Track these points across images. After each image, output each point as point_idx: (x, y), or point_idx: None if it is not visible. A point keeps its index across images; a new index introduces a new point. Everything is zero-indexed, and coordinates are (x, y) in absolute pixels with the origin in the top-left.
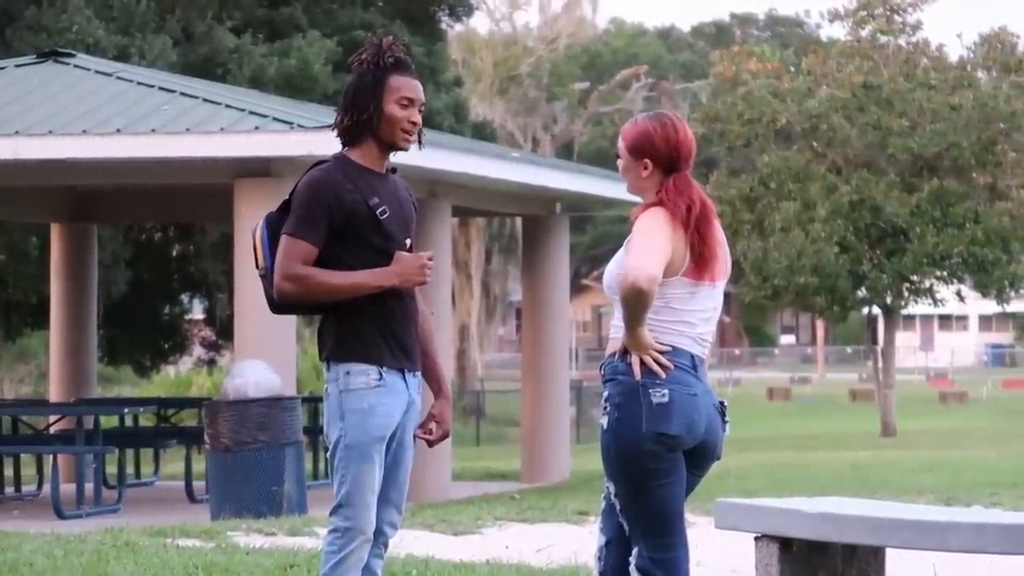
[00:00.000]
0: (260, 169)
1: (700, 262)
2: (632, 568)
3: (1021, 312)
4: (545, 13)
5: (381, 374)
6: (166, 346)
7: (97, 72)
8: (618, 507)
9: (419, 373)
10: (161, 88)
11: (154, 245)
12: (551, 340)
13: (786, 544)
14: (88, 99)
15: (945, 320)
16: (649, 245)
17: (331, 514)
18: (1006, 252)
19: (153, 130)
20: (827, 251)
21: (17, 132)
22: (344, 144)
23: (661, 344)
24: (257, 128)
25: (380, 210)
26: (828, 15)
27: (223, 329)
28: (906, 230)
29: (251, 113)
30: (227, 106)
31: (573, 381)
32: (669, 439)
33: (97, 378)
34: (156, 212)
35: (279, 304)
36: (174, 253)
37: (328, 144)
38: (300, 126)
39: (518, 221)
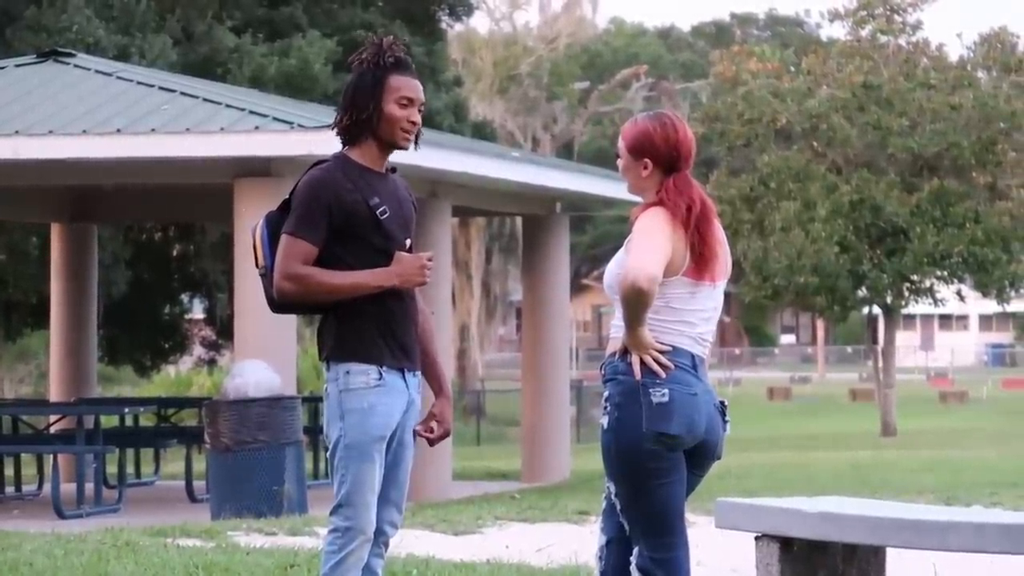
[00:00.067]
0: (260, 169)
1: (700, 262)
2: (633, 568)
3: (1021, 312)
4: (545, 13)
5: (381, 374)
6: (166, 346)
7: (97, 72)
8: (618, 507)
9: (419, 373)
10: (161, 88)
11: (154, 245)
12: (551, 340)
13: (786, 544)
14: (88, 99)
15: (945, 320)
16: (649, 245)
17: (331, 514)
18: (1006, 252)
19: (153, 130)
20: (827, 251)
21: (17, 132)
22: (344, 144)
23: (661, 344)
24: (257, 128)
25: (380, 210)
26: (828, 15)
27: (223, 329)
28: (906, 230)
29: (251, 113)
30: (227, 106)
31: (573, 381)
32: (669, 439)
33: (97, 378)
34: (156, 212)
35: (279, 303)
36: (174, 253)
37: (328, 144)
38: (300, 126)
39: (518, 221)
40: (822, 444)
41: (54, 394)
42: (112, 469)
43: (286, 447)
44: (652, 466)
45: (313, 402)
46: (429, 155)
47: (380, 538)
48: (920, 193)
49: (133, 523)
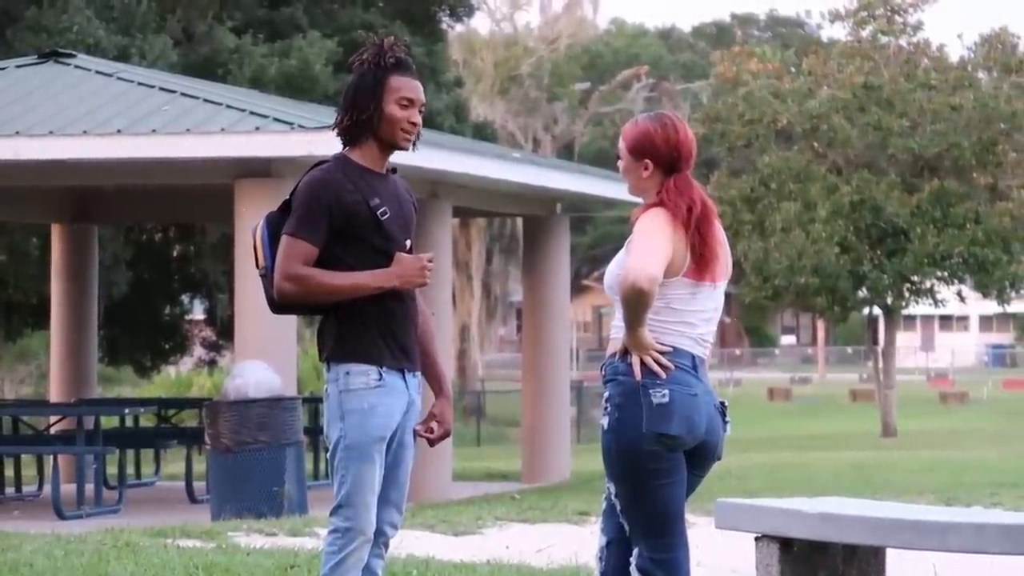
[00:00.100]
0: (261, 169)
1: (701, 263)
2: (633, 568)
3: (1022, 312)
4: (546, 13)
5: (381, 374)
6: (166, 346)
7: (98, 72)
8: (619, 507)
9: (419, 373)
10: (162, 88)
11: (155, 246)
12: (552, 340)
13: (786, 544)
14: (89, 100)
15: (946, 320)
16: (650, 245)
17: (331, 514)
18: (1007, 252)
19: (154, 130)
20: (828, 251)
21: (18, 132)
22: (344, 144)
23: (662, 344)
24: (258, 128)
25: (381, 211)
26: (829, 16)
27: (223, 329)
28: (907, 230)
29: (251, 113)
30: (227, 106)
31: (573, 381)
32: (669, 439)
33: (97, 378)
34: (157, 212)
35: (279, 304)
36: (175, 253)
37: (329, 144)
38: (300, 126)
39: (518, 221)
40: (822, 444)
41: (54, 395)
42: (112, 470)
43: (286, 448)
44: (652, 467)
45: (313, 403)
46: (430, 156)
47: (380, 539)
48: (920, 194)
49: (133, 524)
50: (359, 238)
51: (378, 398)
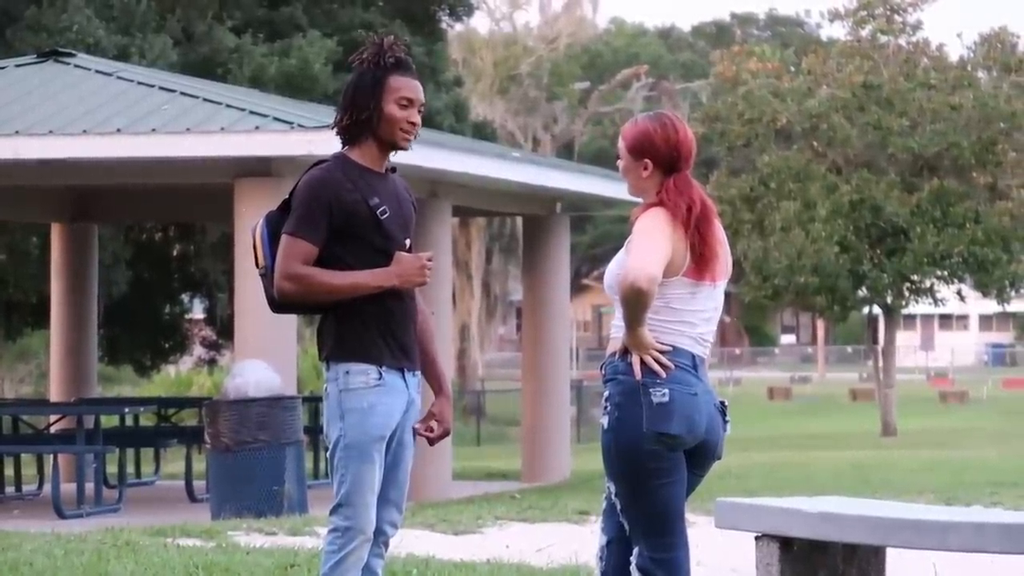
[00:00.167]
0: (260, 169)
1: (700, 262)
2: (633, 568)
3: (1021, 312)
4: (545, 13)
5: (381, 374)
6: (166, 346)
7: (97, 72)
8: (619, 507)
9: (419, 373)
10: (161, 88)
11: (154, 245)
12: (551, 340)
13: (786, 544)
14: (88, 99)
15: (945, 320)
16: (649, 245)
17: (331, 513)
18: (1006, 252)
19: (153, 130)
20: (827, 251)
21: (17, 132)
22: (344, 143)
23: (661, 344)
24: (257, 128)
25: (380, 210)
26: (828, 15)
27: (223, 329)
28: (906, 230)
29: (251, 113)
30: (227, 106)
31: (573, 381)
32: (669, 439)
33: (97, 378)
34: (156, 212)
35: (279, 303)
36: (174, 253)
37: (328, 144)
38: (300, 126)
39: (518, 221)
40: (822, 444)
41: (54, 394)
42: (112, 469)
43: (286, 447)
44: (652, 466)
45: (313, 402)
46: (429, 155)
47: (380, 538)
48: (920, 193)
49: (133, 523)
50: (359, 237)
51: (378, 397)
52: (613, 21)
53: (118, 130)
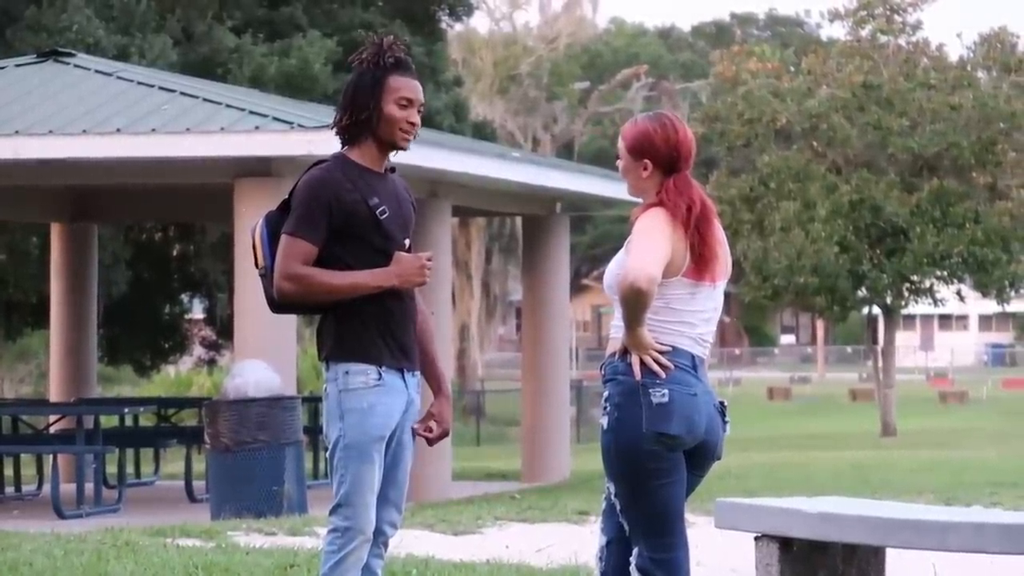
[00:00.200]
0: (260, 169)
1: (700, 262)
2: (632, 568)
3: (1021, 312)
4: (545, 13)
5: (380, 374)
6: (166, 346)
7: (97, 72)
8: (618, 507)
9: (418, 373)
10: (161, 88)
11: (154, 245)
12: (551, 340)
13: (786, 544)
14: (88, 99)
15: (945, 320)
16: (649, 245)
17: (331, 514)
18: (1006, 252)
19: (153, 130)
20: (827, 251)
21: (17, 132)
22: (343, 143)
23: (661, 344)
24: (257, 128)
25: (380, 210)
26: (828, 15)
27: (223, 329)
28: (906, 230)
29: (251, 113)
30: (227, 106)
31: (573, 381)
32: (669, 439)
33: (97, 378)
34: (156, 212)
35: (279, 304)
36: (174, 253)
37: (328, 144)
38: (300, 126)
39: (518, 221)
40: (822, 444)
41: (54, 394)
42: (112, 469)
43: (286, 447)
44: (652, 466)
45: (313, 402)
46: (429, 155)
47: (379, 538)
48: (920, 193)
49: (133, 523)
50: (358, 237)
51: (377, 397)
52: (613, 21)
53: (118, 130)
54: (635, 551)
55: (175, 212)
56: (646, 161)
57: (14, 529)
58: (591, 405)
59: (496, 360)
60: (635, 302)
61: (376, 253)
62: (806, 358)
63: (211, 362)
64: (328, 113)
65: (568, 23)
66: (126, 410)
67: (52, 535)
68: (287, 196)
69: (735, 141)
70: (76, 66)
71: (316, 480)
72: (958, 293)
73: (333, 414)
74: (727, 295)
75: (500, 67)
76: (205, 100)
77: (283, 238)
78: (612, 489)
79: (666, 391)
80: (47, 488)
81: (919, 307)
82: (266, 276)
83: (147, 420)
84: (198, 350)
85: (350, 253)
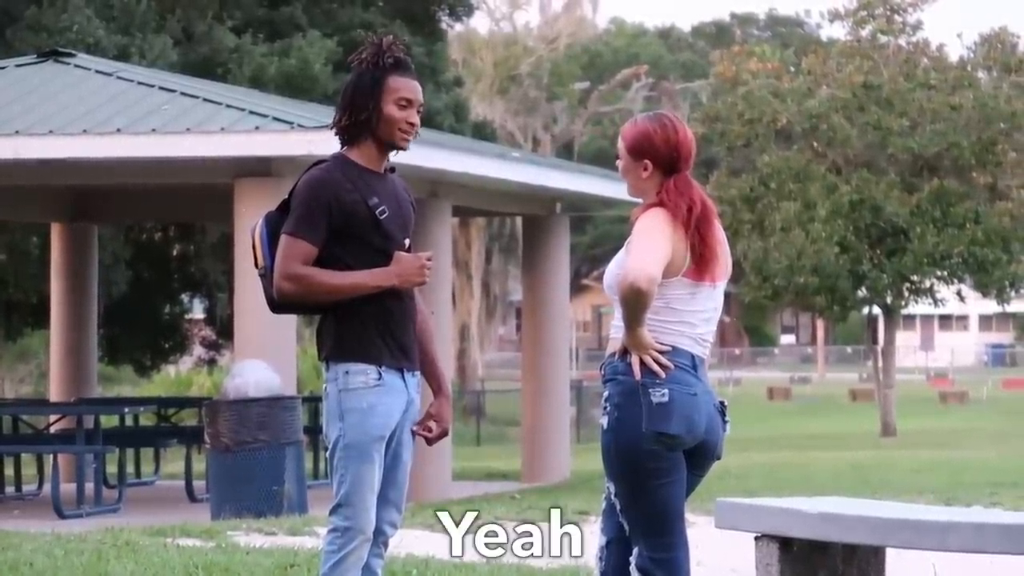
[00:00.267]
0: (260, 169)
1: (700, 262)
2: (632, 568)
3: (1021, 312)
4: (545, 13)
5: (380, 374)
6: (166, 346)
7: (97, 72)
8: (618, 507)
9: (418, 373)
10: (161, 88)
11: (154, 245)
12: (551, 340)
13: (786, 544)
14: (88, 99)
15: (945, 320)
16: (649, 245)
17: (331, 513)
18: (1006, 252)
19: (153, 130)
20: (827, 251)
21: (17, 132)
22: (343, 144)
23: (661, 344)
24: (257, 128)
25: (379, 210)
26: (828, 15)
27: (223, 329)
28: (906, 230)
29: (251, 113)
30: (227, 106)
31: (573, 381)
32: (669, 439)
33: (97, 378)
34: (156, 212)
35: (279, 304)
36: (174, 253)
37: (328, 144)
38: (300, 126)
39: (518, 221)
40: (822, 444)
41: (54, 394)
42: (112, 469)
43: (286, 447)
44: (652, 466)
45: (313, 402)
46: (429, 155)
47: (380, 538)
48: (920, 193)
49: (133, 523)
50: (358, 237)
51: (377, 397)
52: (613, 21)
53: (118, 130)
54: (635, 551)
55: (175, 212)
56: (646, 161)
57: (14, 529)
58: (591, 405)
59: (496, 360)
60: (635, 302)
61: (376, 253)
62: (806, 358)
63: (211, 362)
64: (328, 113)
65: (568, 23)
66: (126, 410)
67: (52, 535)
68: (287, 196)
69: (735, 141)
70: (76, 66)
71: (316, 480)
72: (958, 293)
73: (333, 414)
74: (727, 295)
75: (500, 67)
76: (205, 100)
77: (283, 238)
78: (612, 489)
79: (666, 391)
80: (47, 488)
81: (919, 307)
82: (266, 276)
83: (147, 420)
84: (198, 350)
85: (350, 253)
